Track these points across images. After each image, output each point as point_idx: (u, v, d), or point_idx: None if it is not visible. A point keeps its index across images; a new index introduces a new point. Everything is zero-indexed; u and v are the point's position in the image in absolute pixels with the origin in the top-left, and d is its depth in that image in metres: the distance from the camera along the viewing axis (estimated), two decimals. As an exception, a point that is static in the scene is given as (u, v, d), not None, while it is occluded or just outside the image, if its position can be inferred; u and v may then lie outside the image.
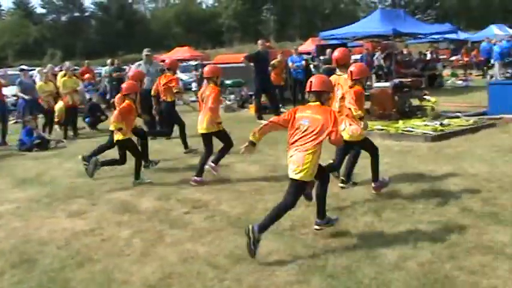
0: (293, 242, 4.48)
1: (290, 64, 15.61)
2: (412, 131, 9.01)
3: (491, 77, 19.44)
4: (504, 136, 8.55)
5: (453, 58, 28.07)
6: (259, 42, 13.29)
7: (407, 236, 4.41)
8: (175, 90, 8.88)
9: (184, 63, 29.34)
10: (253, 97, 13.43)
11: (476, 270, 3.72)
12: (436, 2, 73.06)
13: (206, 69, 7.21)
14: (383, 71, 19.16)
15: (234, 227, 4.96)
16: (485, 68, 23.29)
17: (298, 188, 4.46)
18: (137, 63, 11.50)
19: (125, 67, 19.59)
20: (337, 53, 6.15)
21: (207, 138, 6.99)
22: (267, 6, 77.66)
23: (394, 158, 7.41)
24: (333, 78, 5.72)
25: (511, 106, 9.62)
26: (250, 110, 14.95)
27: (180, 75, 25.77)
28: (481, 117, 10.28)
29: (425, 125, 9.31)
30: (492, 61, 20.46)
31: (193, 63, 27.97)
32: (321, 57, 17.33)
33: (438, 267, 3.80)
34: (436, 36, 22.13)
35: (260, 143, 9.32)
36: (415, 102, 10.86)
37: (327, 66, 16.43)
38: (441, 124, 9.25)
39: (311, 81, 4.54)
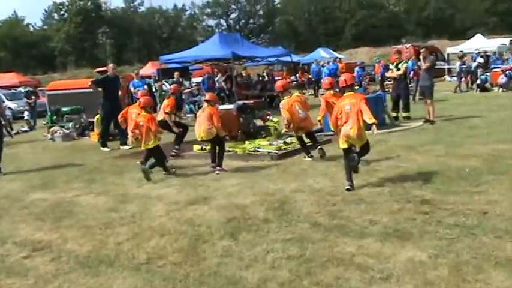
0: (151, 277, 4.24)
1: (132, 89, 15.21)
2: (258, 151, 9.30)
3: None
4: (340, 150, 9.20)
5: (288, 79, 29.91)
6: (110, 66, 12.65)
7: (265, 257, 4.45)
8: None
9: (13, 90, 27.07)
10: (101, 123, 12.66)
11: (331, 283, 3.87)
12: (268, 27, 77.79)
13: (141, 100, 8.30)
14: (225, 93, 19.65)
15: (84, 267, 4.56)
16: (316, 87, 25.23)
17: None
18: None
19: None
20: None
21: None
22: (103, 29, 75.33)
23: (245, 178, 7.55)
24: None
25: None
26: (92, 137, 14.21)
27: (7, 103, 23.68)
28: (319, 133, 10.99)
29: (270, 144, 9.68)
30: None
31: (22, 90, 25.88)
32: (171, 80, 17.29)
33: (297, 285, 3.88)
34: (271, 59, 23.39)
35: (105, 171, 9.01)
36: (259, 122, 11.28)
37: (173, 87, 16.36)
38: (284, 142, 9.69)
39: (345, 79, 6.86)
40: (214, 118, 8.14)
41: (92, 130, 14.49)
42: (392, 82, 13.61)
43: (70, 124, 15.28)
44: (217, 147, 8.31)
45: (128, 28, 73.00)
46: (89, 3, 70.76)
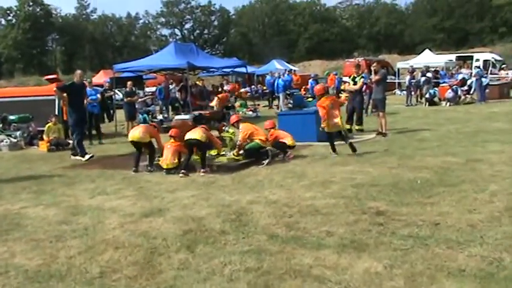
0: (105, 292, 4.11)
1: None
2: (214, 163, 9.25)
3: (278, 107, 21.28)
4: (296, 162, 9.31)
5: (242, 90, 30.01)
6: (77, 72, 12.17)
7: (223, 269, 4.40)
8: None
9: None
10: (72, 132, 12.25)
11: (289, 295, 3.86)
12: (222, 38, 78.03)
13: None
14: (179, 103, 19.50)
15: (34, 282, 4.37)
16: (270, 99, 25.42)
17: None
18: None
19: None
20: None
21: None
22: (53, 36, 73.49)
23: (200, 190, 7.48)
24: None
25: (299, 134, 10.52)
26: (41, 146, 13.77)
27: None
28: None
29: (224, 155, 9.67)
30: (276, 93, 22.45)
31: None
32: (124, 89, 17.08)
33: (256, 298, 3.85)
34: (226, 70, 23.43)
35: (56, 182, 8.73)
36: (214, 133, 11.22)
37: (128, 98, 16.17)
38: (240, 154, 9.68)
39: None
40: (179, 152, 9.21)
41: (41, 139, 14.04)
42: (348, 95, 13.88)
43: (18, 133, 14.75)
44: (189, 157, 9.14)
45: (80, 35, 71.55)
46: (38, 9, 68.90)
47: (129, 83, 16.76)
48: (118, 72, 19.43)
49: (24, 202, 7.36)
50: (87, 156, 11.21)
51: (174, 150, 9.14)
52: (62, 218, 6.38)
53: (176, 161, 9.05)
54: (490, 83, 22.83)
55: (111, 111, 18.92)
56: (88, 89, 15.13)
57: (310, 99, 22.22)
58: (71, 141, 14.19)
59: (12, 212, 6.82)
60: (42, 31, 68.71)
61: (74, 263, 4.74)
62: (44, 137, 13.78)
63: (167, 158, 9.03)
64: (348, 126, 12.81)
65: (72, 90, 11.65)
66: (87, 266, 4.65)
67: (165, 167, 9.01)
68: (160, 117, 18.88)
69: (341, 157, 9.48)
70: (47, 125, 13.94)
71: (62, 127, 14.47)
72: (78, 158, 11.23)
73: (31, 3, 67.73)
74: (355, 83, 13.03)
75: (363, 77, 12.94)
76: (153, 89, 22.19)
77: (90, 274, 4.46)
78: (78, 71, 12.31)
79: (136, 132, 9.48)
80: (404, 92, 24.49)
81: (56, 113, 15.02)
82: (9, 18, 68.88)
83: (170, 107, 21.62)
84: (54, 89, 12.42)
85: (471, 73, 24.21)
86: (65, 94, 11.74)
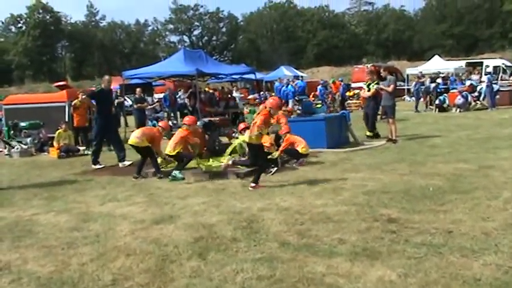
0: (117, 299, 4.10)
1: (93, 104, 14.88)
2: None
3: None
4: (306, 169, 9.28)
5: (250, 96, 30.07)
6: (105, 78, 11.66)
7: (235, 277, 4.37)
8: None
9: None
10: (94, 138, 11.66)
11: (303, 303, 3.83)
12: (231, 44, 78.22)
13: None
14: (188, 110, 19.54)
15: (46, 289, 4.38)
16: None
17: None
18: None
19: None
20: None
21: None
22: (62, 43, 74.09)
23: (211, 196, 7.46)
24: None
25: (308, 141, 10.45)
26: (52, 153, 13.84)
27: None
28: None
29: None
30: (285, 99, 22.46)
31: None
32: (133, 96, 17.17)
33: (269, 306, 3.82)
34: (235, 76, 23.48)
35: (67, 188, 8.76)
36: (224, 140, 11.24)
37: (138, 105, 16.25)
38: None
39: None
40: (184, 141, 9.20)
41: (52, 146, 14.12)
42: (358, 101, 13.89)
43: (28, 139, 14.85)
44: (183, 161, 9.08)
45: (89, 42, 72.07)
46: (48, 16, 69.51)
47: (138, 89, 16.85)
48: (127, 79, 19.51)
49: (35, 209, 7.39)
50: (97, 166, 11.07)
51: (179, 138, 9.06)
52: (73, 224, 6.39)
53: (175, 152, 8.95)
54: (501, 89, 22.70)
55: (122, 118, 19.01)
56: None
57: (319, 105, 22.21)
58: (81, 148, 14.30)
59: (24, 218, 6.84)
60: (52, 38, 69.30)
61: (86, 270, 4.74)
62: (54, 143, 13.85)
63: (168, 146, 9.04)
64: (368, 133, 12.88)
65: (101, 97, 11.25)
66: (99, 273, 4.64)
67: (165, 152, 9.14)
68: (169, 123, 18.91)
69: (351, 164, 9.43)
70: (57, 132, 14.02)
71: (72, 134, 14.55)
72: (126, 163, 11.01)
73: (41, 11, 68.39)
74: (369, 90, 13.00)
75: (377, 83, 12.89)
76: (162, 95, 22.26)
77: (102, 282, 4.45)
78: (106, 77, 11.83)
79: (133, 136, 9.42)
80: (414, 98, 24.41)
81: (66, 119, 15.11)
82: (20, 25, 69.58)
83: (179, 114, 21.69)
84: (83, 96, 12.10)
85: (480, 79, 24.09)
86: (93, 101, 11.54)
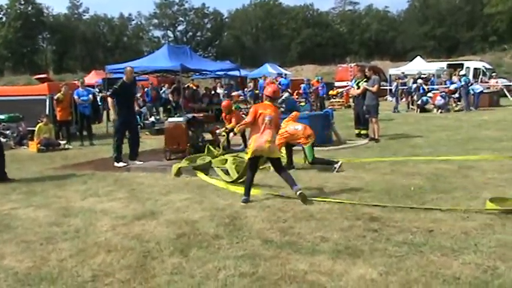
0: (97, 296, 4.05)
1: (76, 98, 14.72)
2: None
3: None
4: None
5: (235, 93, 29.95)
6: (128, 69, 10.60)
7: (217, 274, 4.36)
8: None
9: None
10: (114, 133, 10.69)
11: (285, 301, 3.83)
12: (215, 40, 77.93)
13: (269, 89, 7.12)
14: (172, 106, 19.43)
15: (24, 285, 4.30)
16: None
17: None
18: None
19: None
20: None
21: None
22: (44, 35, 72.96)
23: (194, 193, 7.43)
24: None
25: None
26: (31, 147, 13.64)
27: None
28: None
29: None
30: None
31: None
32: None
33: (251, 303, 3.81)
34: (219, 73, 23.38)
35: (46, 183, 8.63)
36: (208, 136, 11.20)
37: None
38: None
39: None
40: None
41: (31, 139, 13.92)
42: (341, 100, 13.92)
43: (8, 132, 14.61)
44: None
45: (71, 35, 71.05)
46: (29, 8, 68.38)
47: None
48: (110, 73, 19.31)
49: (14, 203, 7.28)
50: (121, 164, 10.11)
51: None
52: (53, 219, 6.30)
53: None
54: (484, 91, 23.04)
55: (104, 112, 18.84)
56: (80, 89, 15.06)
57: (303, 103, 22.27)
58: (62, 142, 14.12)
59: (2, 213, 6.74)
60: (33, 30, 68.17)
61: (65, 266, 4.68)
62: (35, 137, 13.65)
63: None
64: (356, 131, 12.91)
65: (123, 91, 10.25)
66: (78, 269, 4.58)
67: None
68: (152, 119, 18.81)
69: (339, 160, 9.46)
70: (38, 125, 13.82)
71: (53, 127, 14.36)
72: (137, 163, 10.22)
73: (22, 2, 67.22)
74: (359, 88, 13.03)
75: (366, 81, 12.91)
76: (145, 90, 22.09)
77: (81, 278, 4.39)
78: (129, 68, 10.81)
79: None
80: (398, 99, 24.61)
81: (47, 112, 14.91)
82: (0, 16, 68.30)
83: (162, 109, 21.54)
84: (109, 99, 10.75)
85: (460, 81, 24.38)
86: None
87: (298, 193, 6.49)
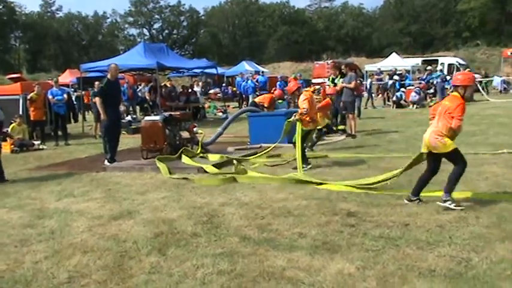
0: (73, 297, 3.99)
1: (50, 97, 14.49)
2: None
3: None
4: (266, 163, 9.30)
5: (211, 91, 29.90)
6: (112, 66, 10.15)
7: (195, 272, 4.33)
8: None
9: None
10: (103, 135, 10.52)
11: (263, 298, 3.83)
12: (192, 38, 77.50)
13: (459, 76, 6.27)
14: (148, 104, 19.29)
15: (-2, 288, 4.22)
16: (240, 100, 25.40)
17: None
18: None
19: None
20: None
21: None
22: (16, 33, 71.65)
23: (171, 191, 7.38)
24: None
25: (269, 136, 10.51)
26: (4, 148, 13.35)
27: None
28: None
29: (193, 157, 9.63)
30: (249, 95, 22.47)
31: None
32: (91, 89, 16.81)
33: (229, 301, 3.81)
34: (196, 71, 23.33)
35: (20, 184, 8.48)
36: (185, 134, 11.13)
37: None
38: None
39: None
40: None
41: (4, 140, 13.63)
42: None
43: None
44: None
45: (44, 33, 69.90)
46: (1, 6, 67.07)
47: (96, 83, 16.42)
48: (85, 72, 19.06)
49: (-13, 205, 7.13)
50: (114, 164, 9.84)
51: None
52: (27, 221, 6.19)
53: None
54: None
55: (79, 112, 18.59)
56: (54, 88, 14.83)
57: (280, 100, 22.25)
58: (36, 142, 13.89)
59: (-25, 215, 6.60)
60: (5, 28, 66.90)
61: (40, 268, 4.60)
62: (8, 138, 13.39)
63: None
64: (340, 127, 12.98)
65: (109, 89, 9.93)
66: (54, 271, 4.51)
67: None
68: (128, 118, 18.62)
69: (311, 159, 9.50)
70: (11, 126, 13.57)
71: (26, 128, 14.11)
72: (114, 165, 9.82)
73: (-6, 0, 65.98)
74: (335, 85, 13.07)
75: (343, 78, 12.95)
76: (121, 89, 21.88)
77: (57, 279, 4.33)
78: (113, 65, 10.31)
79: None
80: (373, 95, 24.86)
81: (21, 113, 14.64)
82: (-30, 14, 66.87)
83: (138, 108, 21.35)
84: (95, 100, 10.54)
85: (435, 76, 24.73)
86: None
87: None
